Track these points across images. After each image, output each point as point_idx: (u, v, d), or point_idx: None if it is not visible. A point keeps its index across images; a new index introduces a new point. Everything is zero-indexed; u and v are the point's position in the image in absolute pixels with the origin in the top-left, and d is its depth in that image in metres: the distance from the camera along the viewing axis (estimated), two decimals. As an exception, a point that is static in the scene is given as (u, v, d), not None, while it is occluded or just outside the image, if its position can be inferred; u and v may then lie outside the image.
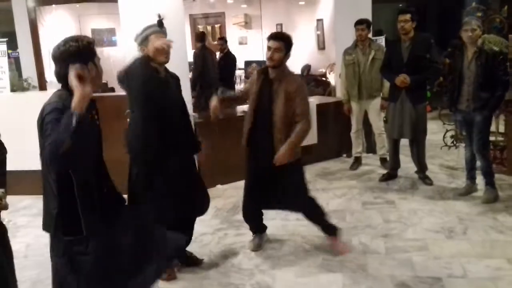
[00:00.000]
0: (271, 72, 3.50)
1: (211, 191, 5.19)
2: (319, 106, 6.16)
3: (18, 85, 6.11)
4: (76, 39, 2.13)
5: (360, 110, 5.80)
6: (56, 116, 1.98)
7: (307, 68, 10.05)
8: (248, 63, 8.75)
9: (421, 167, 5.23)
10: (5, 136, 2.88)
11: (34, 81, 6.66)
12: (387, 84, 5.34)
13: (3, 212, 2.76)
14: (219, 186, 5.43)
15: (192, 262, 3.61)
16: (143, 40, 3.15)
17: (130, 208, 2.69)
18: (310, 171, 5.94)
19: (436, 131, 6.73)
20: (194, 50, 8.07)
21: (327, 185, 5.36)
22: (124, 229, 2.33)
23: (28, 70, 7.12)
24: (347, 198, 4.89)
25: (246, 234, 4.01)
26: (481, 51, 4.33)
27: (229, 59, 8.02)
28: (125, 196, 2.54)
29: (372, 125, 5.88)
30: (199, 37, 7.81)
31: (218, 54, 8.27)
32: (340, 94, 6.27)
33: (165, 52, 3.10)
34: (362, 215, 4.40)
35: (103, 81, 7.81)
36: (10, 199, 2.79)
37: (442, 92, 5.89)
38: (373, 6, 6.50)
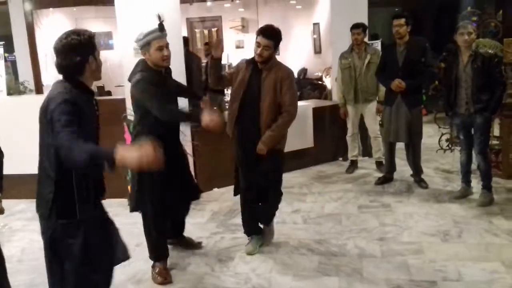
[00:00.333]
0: (260, 64, 3.55)
1: (208, 195, 5.23)
2: (315, 110, 6.18)
3: (14, 88, 6.11)
4: (78, 32, 2.22)
5: (356, 114, 5.82)
6: (69, 108, 2.07)
7: (303, 71, 10.07)
8: (245, 67, 8.76)
9: (417, 171, 5.25)
10: (1, 140, 2.88)
11: (31, 85, 6.66)
12: (382, 88, 5.36)
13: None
14: (216, 190, 5.44)
15: (191, 245, 3.88)
16: (144, 45, 3.26)
17: None
18: (306, 175, 5.96)
19: (432, 134, 6.75)
20: None
21: (323, 189, 5.37)
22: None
23: (25, 74, 7.11)
24: (343, 202, 4.90)
25: (243, 238, 4.02)
26: (477, 54, 4.36)
27: (186, 61, 7.74)
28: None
29: (368, 128, 5.90)
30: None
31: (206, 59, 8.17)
32: (336, 97, 6.29)
33: (165, 58, 3.29)
34: (358, 219, 4.41)
35: (100, 85, 7.82)
36: (5, 203, 2.79)
37: (437, 96, 5.93)
38: (369, 10, 6.53)
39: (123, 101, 4.94)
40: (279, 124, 3.54)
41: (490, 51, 4.42)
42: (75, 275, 2.27)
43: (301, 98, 7.84)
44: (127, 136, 4.57)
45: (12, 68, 7.55)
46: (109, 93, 9.01)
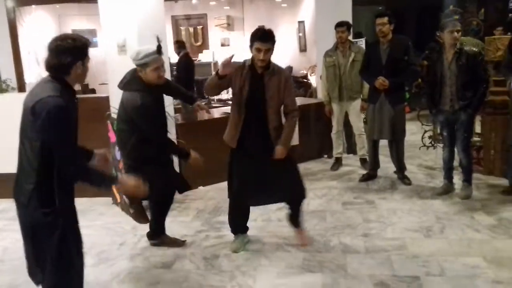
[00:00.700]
0: (259, 68, 3.51)
1: (193, 193, 5.22)
2: (300, 108, 6.17)
3: (-4, 86, 6.03)
4: (74, 37, 2.32)
5: (340, 112, 5.86)
6: (62, 115, 2.21)
7: (288, 69, 10.11)
8: (230, 65, 8.76)
9: (400, 167, 5.31)
10: (-18, 139, 2.85)
11: (13, 83, 6.58)
12: (367, 85, 5.40)
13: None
14: (200, 188, 5.43)
15: (175, 243, 3.94)
16: (141, 65, 3.38)
17: None
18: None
19: (415, 131, 6.83)
20: None
21: (308, 186, 5.31)
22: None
23: (7, 72, 7.02)
24: (327, 199, 4.93)
25: (227, 236, 4.02)
26: (461, 51, 4.40)
27: (186, 64, 7.72)
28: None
29: (353, 126, 5.94)
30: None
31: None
32: (321, 95, 6.32)
33: (160, 77, 3.44)
34: (342, 215, 4.44)
35: (84, 83, 7.76)
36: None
37: (420, 94, 5.99)
38: (354, 8, 6.58)
39: (107, 99, 4.91)
40: (291, 124, 3.59)
41: (474, 49, 4.47)
42: (53, 265, 2.35)
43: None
44: (111, 135, 4.54)
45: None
46: (93, 91, 8.93)
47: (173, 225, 4.29)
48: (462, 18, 5.91)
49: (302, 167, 6.13)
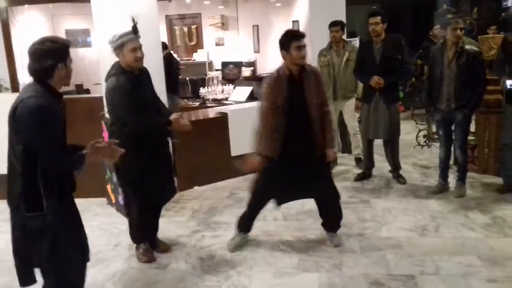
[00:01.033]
0: (295, 70, 3.49)
1: (189, 193, 5.22)
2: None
3: (-11, 87, 5.99)
4: (52, 39, 2.32)
5: (335, 111, 5.85)
6: (42, 116, 2.19)
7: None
8: (225, 64, 8.72)
9: (395, 167, 5.32)
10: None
11: (7, 83, 6.53)
12: (361, 85, 5.41)
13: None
14: (196, 188, 5.42)
15: (163, 248, 3.83)
16: (118, 46, 3.35)
17: None
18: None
19: (409, 131, 6.85)
20: None
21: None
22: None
23: (0, 72, 6.96)
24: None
25: (223, 236, 4.02)
26: (463, 51, 4.40)
27: (168, 64, 7.64)
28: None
29: (347, 125, 5.94)
30: None
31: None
32: (315, 95, 6.30)
33: (138, 59, 3.37)
34: (337, 215, 4.44)
35: (78, 83, 7.73)
36: (-20, 204, 2.74)
37: (414, 93, 6.00)
38: (348, 7, 6.59)
39: (101, 99, 4.86)
40: (330, 123, 3.65)
41: (475, 48, 4.46)
42: (49, 268, 2.38)
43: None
44: (105, 134, 4.53)
45: (-13, 66, 7.39)
46: (87, 91, 8.87)
47: (168, 225, 4.28)
48: (455, 17, 5.92)
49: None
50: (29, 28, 8.66)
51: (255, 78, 8.05)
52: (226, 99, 7.44)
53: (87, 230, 3.79)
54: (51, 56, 2.26)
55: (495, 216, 4.20)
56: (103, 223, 4.51)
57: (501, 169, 4.94)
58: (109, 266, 3.66)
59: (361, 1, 10.70)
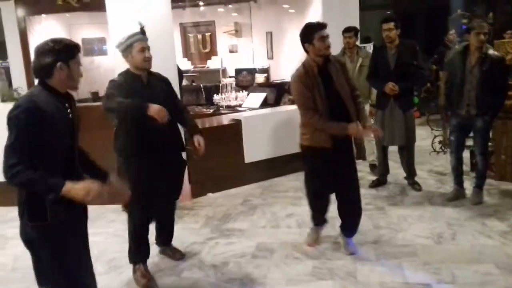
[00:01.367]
0: (322, 62, 3.49)
1: (202, 200, 5.23)
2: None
3: (8, 95, 6.09)
4: (56, 40, 2.29)
5: (349, 117, 5.82)
6: (24, 121, 2.16)
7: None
8: (238, 71, 8.75)
9: (410, 173, 5.27)
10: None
11: (24, 91, 6.63)
12: (375, 91, 5.38)
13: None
14: (210, 195, 5.43)
15: (178, 255, 3.83)
16: (126, 48, 3.33)
17: None
18: (301, 178, 5.88)
19: (425, 137, 6.78)
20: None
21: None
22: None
23: (18, 80, 7.07)
24: (337, 205, 4.88)
25: (237, 243, 4.02)
26: (486, 56, 4.32)
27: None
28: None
29: (362, 131, 5.90)
30: None
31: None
32: (329, 101, 6.29)
33: (147, 59, 3.34)
34: (352, 222, 4.40)
35: (94, 91, 7.80)
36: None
37: (429, 98, 5.95)
38: (361, 13, 6.57)
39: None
40: (361, 105, 3.73)
41: (497, 53, 4.37)
42: (53, 279, 2.34)
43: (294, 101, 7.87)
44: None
45: (5, 74, 7.53)
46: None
47: (182, 232, 4.29)
48: (470, 22, 5.87)
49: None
50: (47, 37, 8.81)
51: (268, 85, 8.06)
52: (240, 105, 7.45)
53: (102, 236, 3.80)
54: (50, 54, 2.22)
55: (513, 224, 4.13)
56: (118, 229, 4.53)
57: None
58: (123, 273, 3.68)
59: (375, 6, 10.66)
